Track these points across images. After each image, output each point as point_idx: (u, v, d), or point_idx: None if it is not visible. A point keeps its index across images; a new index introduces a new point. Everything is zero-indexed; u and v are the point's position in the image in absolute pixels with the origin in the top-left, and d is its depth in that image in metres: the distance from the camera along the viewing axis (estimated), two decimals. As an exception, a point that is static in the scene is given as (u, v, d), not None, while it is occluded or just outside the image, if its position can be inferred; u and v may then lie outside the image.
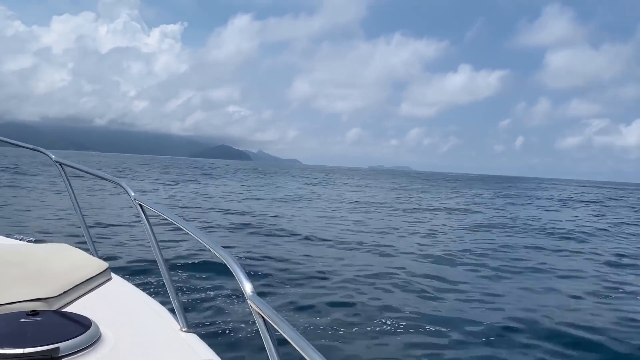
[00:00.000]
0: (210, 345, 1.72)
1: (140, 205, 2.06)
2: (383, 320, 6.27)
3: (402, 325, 6.13)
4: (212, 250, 1.59)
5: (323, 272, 8.78)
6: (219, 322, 5.58)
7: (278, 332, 1.19)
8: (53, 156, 3.01)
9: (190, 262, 8.42)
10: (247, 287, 1.35)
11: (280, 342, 1.24)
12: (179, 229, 1.83)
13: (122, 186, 2.29)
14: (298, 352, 1.11)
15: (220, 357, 1.61)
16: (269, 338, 1.25)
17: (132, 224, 12.05)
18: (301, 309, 6.57)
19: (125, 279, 2.35)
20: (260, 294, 1.34)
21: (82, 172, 2.78)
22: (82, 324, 1.58)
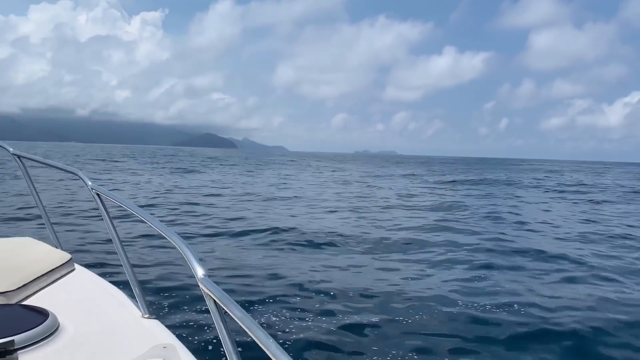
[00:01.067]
0: (172, 330, 1.74)
1: (98, 194, 2.06)
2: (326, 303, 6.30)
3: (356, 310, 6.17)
4: (164, 234, 1.61)
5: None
6: (180, 307, 5.64)
7: (229, 313, 1.21)
8: (11, 149, 3.00)
9: (148, 247, 8.45)
10: (199, 271, 1.37)
11: (232, 324, 1.25)
12: (136, 216, 1.85)
13: (79, 176, 2.29)
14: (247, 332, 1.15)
15: (181, 341, 1.64)
16: (219, 319, 1.28)
17: (94, 214, 11.97)
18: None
19: (88, 269, 2.35)
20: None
21: (41, 164, 2.77)
22: (39, 315, 1.57)
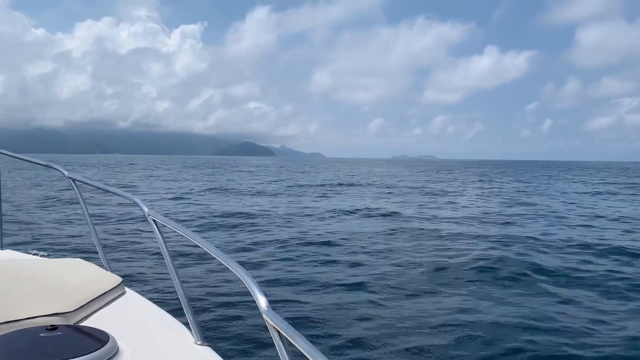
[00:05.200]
0: (225, 358, 1.70)
1: (154, 220, 2.10)
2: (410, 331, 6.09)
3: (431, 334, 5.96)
4: (226, 264, 1.62)
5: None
6: (233, 336, 5.58)
7: (294, 346, 1.20)
8: (66, 172, 3.08)
9: (204, 275, 8.44)
10: (262, 302, 1.38)
11: (297, 356, 1.24)
12: (192, 243, 1.88)
13: (135, 202, 2.33)
14: None
15: None
16: (284, 352, 1.27)
17: (144, 238, 12.18)
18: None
19: (139, 292, 2.35)
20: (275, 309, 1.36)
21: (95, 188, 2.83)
22: (99, 338, 1.60)
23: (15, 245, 3.61)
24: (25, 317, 1.71)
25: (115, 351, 1.58)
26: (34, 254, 3.11)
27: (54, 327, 1.62)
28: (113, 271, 2.56)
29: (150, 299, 2.27)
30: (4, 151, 3.50)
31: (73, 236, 12.45)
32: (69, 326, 1.71)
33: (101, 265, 2.62)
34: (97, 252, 2.83)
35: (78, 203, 2.99)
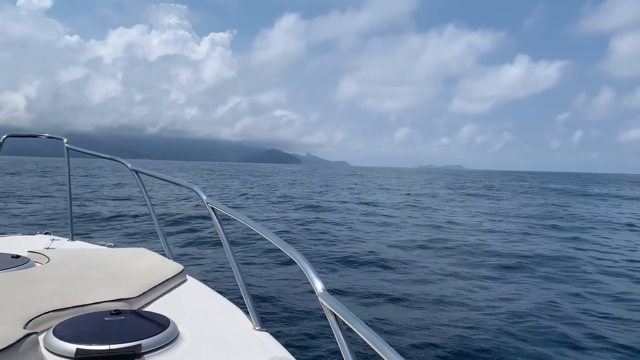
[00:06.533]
0: (283, 344, 1.74)
1: (212, 208, 2.13)
2: (468, 318, 5.99)
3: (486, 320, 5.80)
4: (282, 249, 1.62)
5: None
6: (292, 321, 5.64)
7: (351, 329, 1.18)
8: (129, 165, 3.21)
9: (261, 262, 8.58)
10: (318, 285, 1.36)
11: (354, 340, 1.22)
12: (250, 230, 1.88)
13: (195, 191, 2.40)
14: (372, 349, 1.08)
15: (294, 355, 1.62)
16: (341, 336, 1.25)
17: (204, 227, 12.49)
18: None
19: (199, 280, 2.42)
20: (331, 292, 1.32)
21: (156, 179, 2.93)
22: (161, 322, 1.66)
23: (84, 237, 3.81)
24: (92, 302, 1.81)
25: (176, 335, 1.63)
26: (101, 244, 3.28)
27: (118, 312, 1.70)
28: (175, 259, 2.65)
29: (210, 286, 2.33)
30: (75, 147, 3.70)
31: (137, 226, 13.03)
32: (132, 311, 1.79)
33: (164, 254, 2.72)
34: (160, 242, 2.92)
35: (141, 194, 3.11)
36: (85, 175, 39.96)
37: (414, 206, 22.92)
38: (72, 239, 3.46)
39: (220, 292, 2.25)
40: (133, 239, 11.17)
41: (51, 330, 1.57)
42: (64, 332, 1.55)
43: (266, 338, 1.76)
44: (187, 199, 19.49)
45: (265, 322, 1.87)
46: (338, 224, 14.83)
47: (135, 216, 14.86)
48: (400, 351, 1.06)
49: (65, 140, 3.84)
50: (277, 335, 1.80)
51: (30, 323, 1.60)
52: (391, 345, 1.04)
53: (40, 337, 1.55)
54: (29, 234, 3.55)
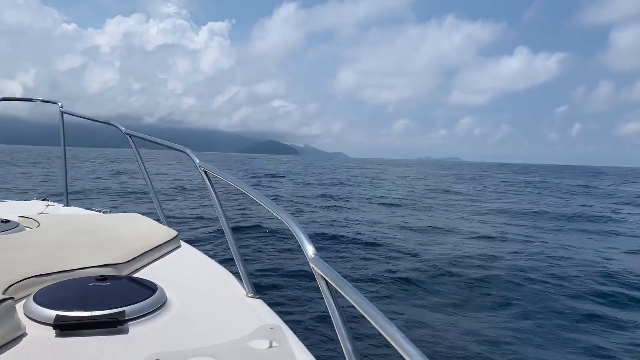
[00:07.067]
0: (276, 311, 1.72)
1: (205, 172, 2.08)
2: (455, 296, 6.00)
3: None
4: (275, 214, 1.57)
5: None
6: (284, 287, 5.65)
7: (341, 295, 1.14)
8: (123, 128, 3.19)
9: (255, 227, 8.54)
10: (309, 250, 1.32)
11: (345, 306, 1.18)
12: (244, 195, 1.83)
13: (187, 154, 2.35)
14: (362, 316, 1.05)
15: (286, 322, 1.60)
16: (332, 301, 1.21)
17: (200, 193, 12.34)
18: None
19: (194, 246, 2.40)
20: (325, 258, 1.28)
21: (150, 143, 2.90)
22: (148, 288, 1.61)
23: (81, 204, 3.79)
24: (79, 267, 1.76)
25: (163, 302, 1.59)
26: (97, 211, 3.25)
27: (103, 278, 1.65)
28: (169, 225, 2.63)
29: (204, 252, 2.31)
30: (69, 111, 3.67)
31: (134, 193, 12.89)
32: (118, 277, 1.74)
33: (159, 220, 2.70)
34: (155, 207, 2.91)
35: (135, 159, 3.09)
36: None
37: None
38: (67, 205, 3.43)
39: (215, 259, 2.22)
40: (127, 204, 11.07)
41: (32, 296, 1.52)
42: (44, 298, 1.49)
43: (259, 305, 1.73)
44: (180, 163, 19.23)
45: (259, 289, 1.85)
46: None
47: (130, 182, 14.66)
48: (392, 319, 1.04)
49: (60, 104, 3.79)
50: (270, 302, 1.79)
51: (10, 288, 1.54)
52: (382, 312, 1.02)
53: (20, 304, 1.50)
54: (25, 200, 3.53)
